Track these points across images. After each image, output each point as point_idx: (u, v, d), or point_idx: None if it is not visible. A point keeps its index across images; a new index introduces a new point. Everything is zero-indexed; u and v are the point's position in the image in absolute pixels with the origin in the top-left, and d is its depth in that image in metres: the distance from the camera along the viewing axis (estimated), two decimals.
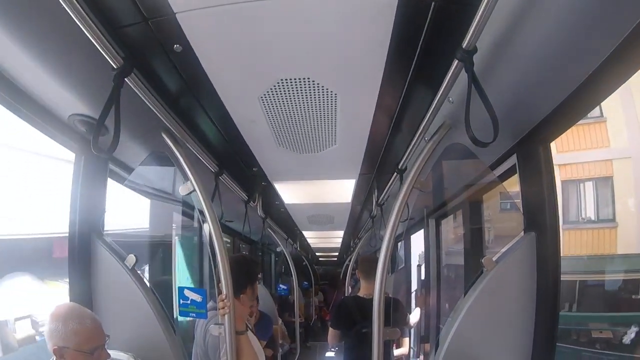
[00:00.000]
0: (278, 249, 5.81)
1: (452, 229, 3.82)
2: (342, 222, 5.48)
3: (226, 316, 1.94)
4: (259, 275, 4.86)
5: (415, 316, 3.88)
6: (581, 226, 10.08)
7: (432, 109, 1.78)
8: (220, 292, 1.98)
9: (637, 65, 1.31)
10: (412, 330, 4.10)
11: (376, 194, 3.66)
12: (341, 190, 3.61)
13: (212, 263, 2.05)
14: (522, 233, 1.95)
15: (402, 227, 4.03)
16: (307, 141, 2.37)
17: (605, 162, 9.99)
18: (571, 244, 10.06)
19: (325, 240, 9.29)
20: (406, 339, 3.84)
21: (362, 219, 5.37)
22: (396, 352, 3.69)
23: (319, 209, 4.49)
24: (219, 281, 1.99)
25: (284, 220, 5.48)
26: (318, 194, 3.81)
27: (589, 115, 1.81)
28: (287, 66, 1.65)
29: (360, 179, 3.18)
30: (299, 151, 2.51)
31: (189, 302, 2.07)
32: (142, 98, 1.68)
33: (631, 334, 6.50)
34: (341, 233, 7.39)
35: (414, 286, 4.91)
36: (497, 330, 1.89)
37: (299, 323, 6.59)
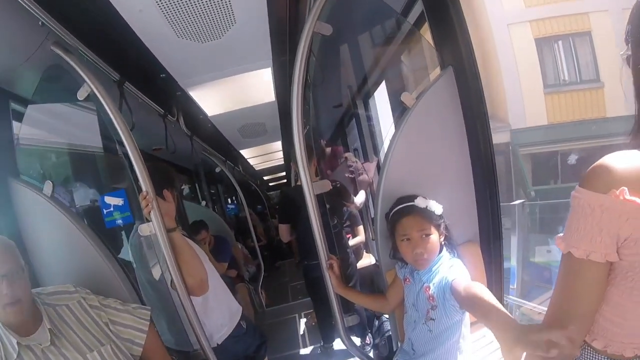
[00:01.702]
0: (217, 170, 5.71)
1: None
2: (276, 129, 5.41)
3: (152, 213, 1.89)
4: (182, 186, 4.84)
5: (360, 197, 3.71)
6: (563, 89, 9.99)
7: None
8: (140, 191, 1.92)
9: None
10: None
11: None
12: (261, 86, 3.49)
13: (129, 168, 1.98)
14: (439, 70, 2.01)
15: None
16: (205, 24, 2.23)
17: (581, 15, 9.81)
18: (554, 109, 10.13)
19: (268, 158, 9.26)
20: (360, 227, 3.86)
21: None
22: (352, 241, 3.72)
23: (245, 116, 4.37)
24: (137, 180, 1.93)
25: (215, 139, 5.35)
26: (239, 96, 3.69)
27: None
28: None
29: (276, 66, 3.08)
30: (200, 39, 2.37)
31: (112, 209, 2.01)
32: (23, 4, 1.61)
33: None
34: (279, 145, 7.36)
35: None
36: (432, 167, 1.98)
37: (262, 245, 6.73)
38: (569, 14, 10.04)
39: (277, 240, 7.99)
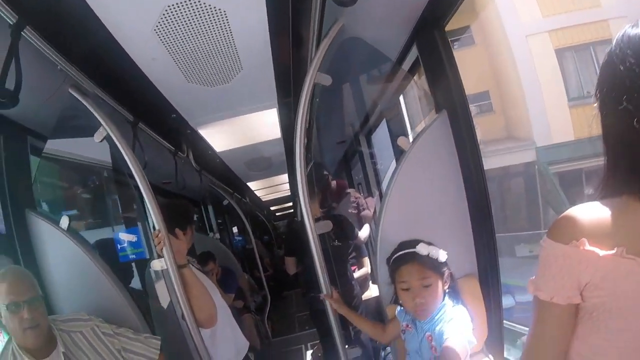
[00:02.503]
0: (225, 202, 5.84)
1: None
2: (281, 163, 5.55)
3: (164, 249, 1.99)
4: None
5: (365, 231, 3.83)
6: (587, 102, 9.39)
7: (317, 9, 1.85)
8: (154, 229, 2.04)
9: None
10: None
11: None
12: (267, 125, 3.65)
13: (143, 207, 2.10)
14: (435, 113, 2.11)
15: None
16: (214, 71, 2.38)
17: (600, 22, 9.57)
18: (581, 123, 9.67)
19: (274, 190, 9.39)
20: (366, 258, 3.92)
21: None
22: (357, 273, 3.78)
23: (252, 151, 4.53)
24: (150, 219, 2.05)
25: (223, 173, 5.50)
26: (246, 134, 3.84)
27: None
28: None
29: (281, 106, 3.24)
30: (209, 84, 2.52)
31: (125, 244, 2.14)
32: (42, 51, 1.73)
33: None
34: (285, 177, 7.50)
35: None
36: (429, 207, 2.04)
37: (269, 275, 6.76)
38: (587, 22, 9.82)
39: (284, 270, 8.03)
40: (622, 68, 0.80)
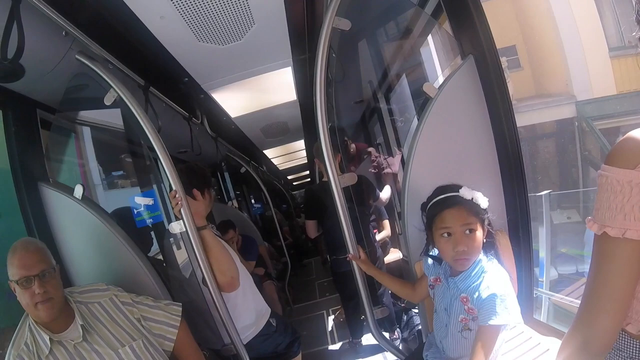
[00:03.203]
0: (242, 170, 5.79)
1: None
2: (297, 128, 5.45)
3: (182, 211, 1.94)
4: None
5: (386, 192, 3.66)
6: (630, 52, 8.58)
7: None
8: (170, 190, 1.98)
9: None
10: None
11: None
12: (282, 86, 3.54)
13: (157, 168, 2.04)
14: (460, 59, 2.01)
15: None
16: (225, 27, 2.28)
17: None
18: (622, 76, 9.12)
19: (290, 157, 9.33)
20: (386, 221, 3.86)
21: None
22: (378, 236, 3.73)
23: (268, 116, 4.43)
24: (167, 180, 1.98)
25: (239, 140, 5.44)
26: (260, 97, 3.74)
27: None
28: None
29: (296, 65, 3.12)
30: (221, 42, 2.42)
31: (142, 208, 2.08)
32: (46, 15, 1.68)
33: None
34: (302, 144, 7.41)
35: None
36: (457, 157, 1.95)
37: (288, 244, 6.77)
38: None
39: (303, 238, 8.06)
40: None
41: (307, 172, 13.83)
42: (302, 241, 8.17)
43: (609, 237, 0.83)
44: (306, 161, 10.57)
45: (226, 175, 5.90)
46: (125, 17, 1.98)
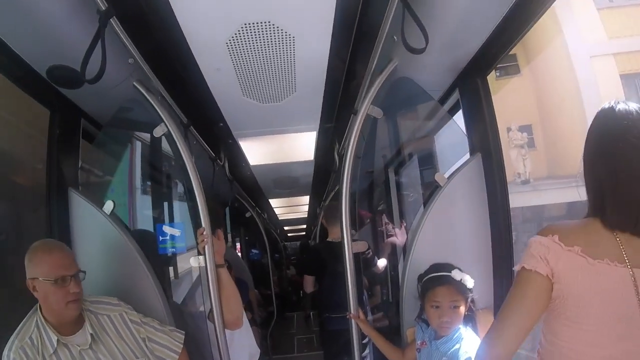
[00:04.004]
0: (247, 214, 5.97)
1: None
2: (307, 185, 5.69)
3: (206, 247, 2.11)
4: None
5: (382, 262, 3.84)
6: None
7: (380, 46, 2.02)
8: (199, 227, 2.15)
9: None
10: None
11: (337, 146, 3.86)
12: (303, 146, 3.81)
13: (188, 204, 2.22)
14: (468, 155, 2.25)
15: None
16: (270, 89, 2.54)
17: None
18: None
19: (292, 210, 9.51)
20: (377, 287, 3.98)
21: (325, 180, 5.63)
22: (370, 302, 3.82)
23: (282, 169, 4.67)
24: (197, 217, 2.16)
25: (251, 186, 5.65)
26: (281, 151, 3.99)
27: None
28: (251, 9, 1.80)
29: (321, 131, 3.39)
30: (262, 100, 2.68)
31: (167, 237, 2.25)
32: (121, 42, 1.85)
33: None
34: (306, 199, 7.62)
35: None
36: (456, 240, 2.17)
37: (275, 294, 6.83)
38: None
39: (289, 290, 8.08)
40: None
41: (304, 226, 13.96)
42: (288, 293, 8.20)
43: (525, 269, 1.16)
44: (306, 216, 10.74)
45: (232, 217, 6.07)
46: (187, 61, 2.18)
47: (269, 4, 1.79)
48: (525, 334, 1.17)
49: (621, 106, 1.14)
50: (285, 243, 15.72)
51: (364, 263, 3.27)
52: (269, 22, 1.89)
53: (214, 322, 2.14)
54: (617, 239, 1.09)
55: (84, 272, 1.77)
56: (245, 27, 1.91)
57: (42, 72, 1.92)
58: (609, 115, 1.16)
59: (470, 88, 2.21)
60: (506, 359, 1.17)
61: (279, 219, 11.59)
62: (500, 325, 1.19)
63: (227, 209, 5.84)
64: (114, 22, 1.72)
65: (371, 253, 3.46)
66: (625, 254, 1.07)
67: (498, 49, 1.95)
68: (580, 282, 1.09)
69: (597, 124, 1.18)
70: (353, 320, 2.24)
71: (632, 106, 1.13)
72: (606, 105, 1.17)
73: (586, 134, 1.20)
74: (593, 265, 1.08)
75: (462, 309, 1.81)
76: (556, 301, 1.14)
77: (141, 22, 1.95)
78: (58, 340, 1.70)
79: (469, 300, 1.85)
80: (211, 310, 2.14)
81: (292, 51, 2.14)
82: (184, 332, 2.06)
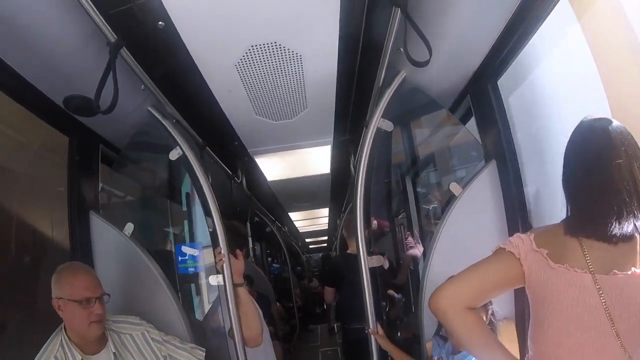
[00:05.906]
0: (267, 229, 6.02)
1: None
2: (324, 198, 5.71)
3: (224, 266, 2.14)
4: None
5: (401, 274, 3.84)
6: None
7: (386, 60, 2.02)
8: (216, 246, 2.19)
9: None
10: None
11: (352, 158, 3.86)
12: (318, 160, 3.85)
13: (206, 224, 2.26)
14: (484, 162, 2.21)
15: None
16: (282, 107, 2.59)
17: None
18: None
19: (313, 222, 9.54)
20: (398, 299, 4.01)
21: (343, 192, 5.59)
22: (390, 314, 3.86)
23: (300, 184, 4.71)
24: (215, 237, 2.20)
25: (269, 201, 5.70)
26: (297, 166, 4.04)
27: None
28: (257, 32, 1.85)
29: (335, 144, 3.42)
30: (275, 118, 2.73)
31: (187, 257, 2.29)
32: (132, 71, 1.91)
33: None
34: (325, 211, 7.64)
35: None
36: (474, 250, 2.09)
37: (298, 307, 6.86)
38: None
39: (312, 303, 8.07)
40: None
41: (325, 237, 13.95)
42: (311, 305, 8.19)
43: (499, 247, 1.26)
44: (327, 227, 10.74)
45: (252, 232, 6.12)
46: (198, 85, 2.24)
47: (274, 26, 1.83)
48: (476, 296, 1.24)
49: (586, 123, 1.19)
50: (308, 255, 15.75)
51: (381, 276, 3.26)
52: (276, 42, 1.93)
53: (234, 339, 2.17)
54: (582, 245, 1.12)
55: (109, 295, 1.81)
56: (253, 49, 1.96)
57: (58, 101, 1.98)
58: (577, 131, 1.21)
59: (481, 93, 2.19)
60: (449, 310, 1.22)
61: (300, 231, 11.63)
62: (454, 279, 1.27)
63: (248, 225, 5.90)
64: (124, 51, 1.78)
65: (388, 266, 3.44)
66: (588, 259, 1.10)
67: (508, 51, 1.92)
68: (543, 283, 1.15)
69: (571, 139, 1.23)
70: (372, 336, 2.22)
71: (598, 123, 1.16)
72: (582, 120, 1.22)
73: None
74: (553, 268, 1.13)
75: None
76: (532, 301, 1.21)
77: (151, 50, 2.00)
78: (82, 359, 1.72)
79: (490, 312, 1.83)
80: (231, 328, 2.16)
81: (301, 69, 2.18)
82: (204, 350, 2.07)
